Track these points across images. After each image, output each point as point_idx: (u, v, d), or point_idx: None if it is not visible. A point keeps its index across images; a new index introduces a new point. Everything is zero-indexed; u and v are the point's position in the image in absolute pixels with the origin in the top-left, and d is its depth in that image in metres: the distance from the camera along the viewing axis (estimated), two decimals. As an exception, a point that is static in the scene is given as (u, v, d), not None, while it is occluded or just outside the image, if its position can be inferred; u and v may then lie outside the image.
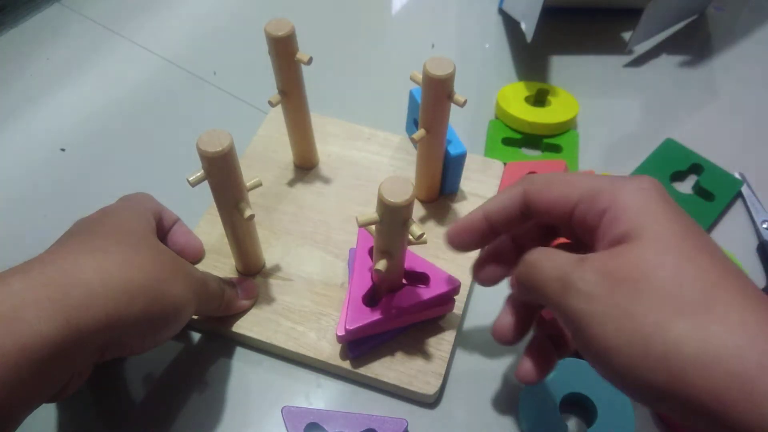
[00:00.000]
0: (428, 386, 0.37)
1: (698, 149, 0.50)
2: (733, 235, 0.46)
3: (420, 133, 0.40)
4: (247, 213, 0.34)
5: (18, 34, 0.62)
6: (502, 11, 0.64)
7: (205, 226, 0.44)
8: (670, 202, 0.24)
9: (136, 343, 0.31)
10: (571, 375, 0.38)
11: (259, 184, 0.36)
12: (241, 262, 0.41)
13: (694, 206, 0.47)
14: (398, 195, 0.29)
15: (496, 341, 0.31)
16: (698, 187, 0.48)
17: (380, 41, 0.64)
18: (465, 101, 0.36)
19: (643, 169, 0.49)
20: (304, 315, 0.40)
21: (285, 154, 0.49)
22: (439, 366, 0.38)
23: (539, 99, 0.55)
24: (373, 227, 0.33)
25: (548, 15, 0.54)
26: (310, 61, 0.39)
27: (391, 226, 0.31)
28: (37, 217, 0.48)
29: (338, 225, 0.45)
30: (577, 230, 0.27)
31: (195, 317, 0.39)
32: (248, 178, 0.35)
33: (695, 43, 0.62)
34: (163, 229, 0.41)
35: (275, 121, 0.51)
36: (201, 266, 0.42)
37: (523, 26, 0.57)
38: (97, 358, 0.29)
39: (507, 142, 0.52)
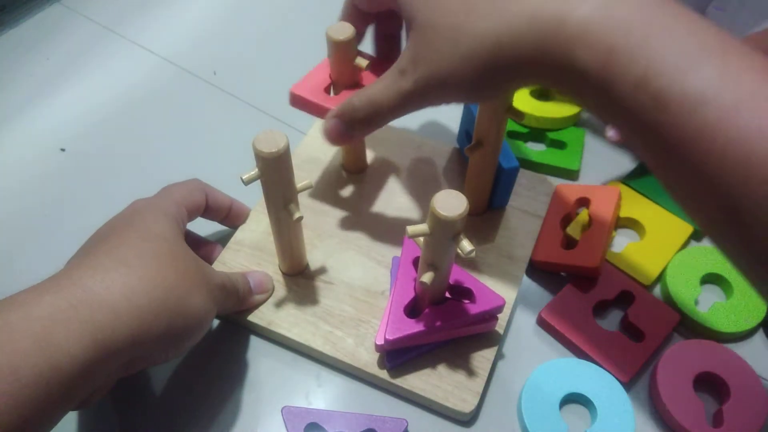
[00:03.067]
0: (464, 404, 0.36)
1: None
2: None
3: (474, 145, 0.39)
4: (296, 215, 0.34)
5: (18, 34, 0.62)
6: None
7: (251, 223, 0.44)
8: None
9: (159, 356, 0.33)
10: (571, 375, 0.38)
11: (309, 186, 0.35)
12: (285, 261, 0.41)
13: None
14: (451, 209, 0.29)
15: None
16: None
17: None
18: (523, 115, 0.36)
19: (642, 168, 0.49)
20: (344, 320, 0.39)
21: (334, 157, 0.49)
22: (477, 384, 0.37)
23: (544, 93, 0.55)
24: (421, 239, 0.32)
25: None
26: (368, 66, 0.39)
27: (440, 239, 0.31)
28: (37, 216, 0.48)
29: (383, 232, 0.44)
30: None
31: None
32: (298, 179, 0.35)
33: (695, 42, 0.62)
34: (219, 212, 0.41)
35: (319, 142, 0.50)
36: (246, 263, 0.42)
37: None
38: (122, 372, 0.31)
39: (512, 135, 0.52)
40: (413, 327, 0.36)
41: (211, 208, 0.41)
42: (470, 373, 0.37)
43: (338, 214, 0.45)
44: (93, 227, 0.47)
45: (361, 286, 0.41)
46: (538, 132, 0.52)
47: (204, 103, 0.57)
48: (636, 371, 0.38)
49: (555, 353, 0.40)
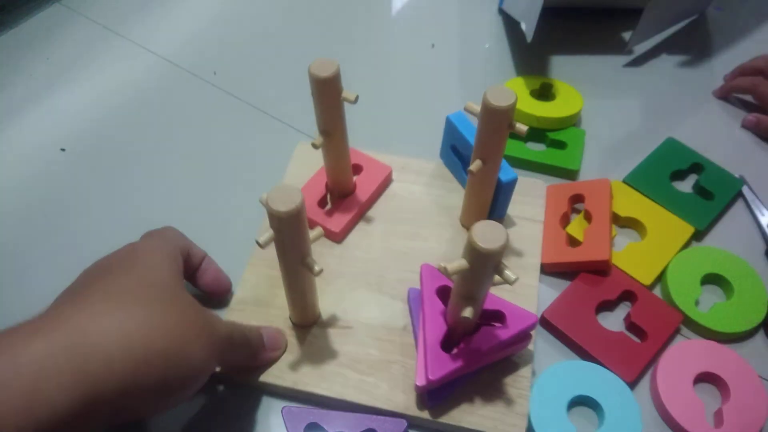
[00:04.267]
0: (514, 428, 0.35)
1: (699, 148, 0.50)
2: (734, 235, 0.46)
3: (477, 164, 0.38)
4: (317, 269, 0.32)
5: (18, 34, 0.62)
6: (502, 11, 0.65)
7: (251, 277, 0.42)
8: None
9: (147, 409, 0.30)
10: (578, 377, 0.38)
11: (320, 235, 0.33)
12: (298, 312, 0.38)
13: (694, 205, 0.47)
14: (492, 240, 0.27)
15: None
16: (698, 186, 0.48)
17: (379, 41, 0.63)
18: (527, 130, 0.36)
19: (643, 167, 0.49)
20: (372, 364, 0.37)
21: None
22: (522, 406, 0.36)
23: (543, 93, 0.55)
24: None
25: (548, 15, 0.54)
26: (356, 100, 0.37)
27: (480, 272, 0.29)
28: (37, 216, 0.48)
29: (389, 263, 0.42)
30: None
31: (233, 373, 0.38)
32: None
33: (695, 43, 0.62)
34: (191, 267, 0.39)
35: (305, 155, 0.49)
36: (254, 321, 0.39)
37: (523, 26, 0.57)
38: (107, 422, 0.28)
39: (512, 136, 0.52)
40: (454, 362, 0.34)
41: (186, 261, 0.38)
42: (511, 395, 0.36)
43: (338, 252, 0.43)
44: (93, 227, 0.47)
45: (381, 324, 0.39)
46: (538, 132, 0.52)
47: (204, 102, 0.57)
48: (640, 371, 0.38)
49: (559, 354, 0.40)
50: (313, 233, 0.33)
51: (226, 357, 0.33)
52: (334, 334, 0.39)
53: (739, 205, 0.48)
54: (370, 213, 0.46)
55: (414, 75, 0.59)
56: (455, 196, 0.46)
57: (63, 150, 0.52)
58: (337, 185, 0.44)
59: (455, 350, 0.35)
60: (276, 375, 0.37)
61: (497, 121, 0.35)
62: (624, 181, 0.48)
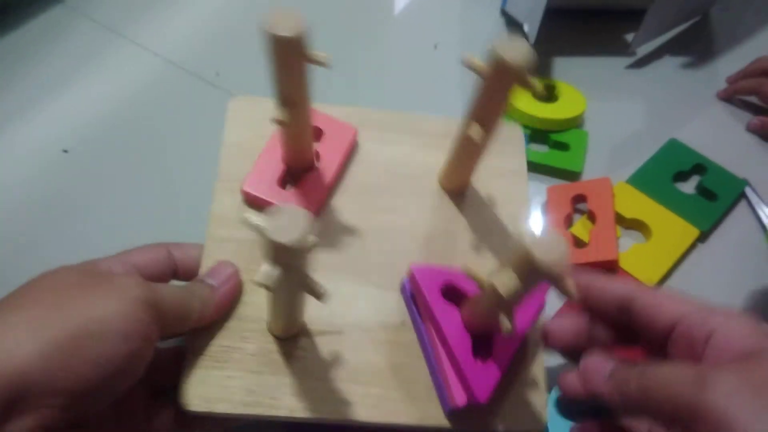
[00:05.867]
0: (535, 419, 0.32)
1: (702, 149, 0.50)
2: (738, 236, 0.46)
3: (476, 130, 0.31)
4: (323, 292, 0.26)
5: (21, 36, 0.62)
6: (505, 13, 0.64)
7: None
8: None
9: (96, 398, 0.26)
10: None
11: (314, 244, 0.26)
12: (283, 328, 0.32)
13: (697, 206, 0.47)
14: (554, 252, 0.23)
15: None
16: (701, 187, 0.48)
17: (382, 41, 0.63)
18: (542, 89, 0.30)
19: (646, 169, 0.49)
20: (376, 373, 0.32)
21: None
22: (541, 395, 0.32)
23: (546, 95, 0.55)
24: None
25: (551, 16, 0.54)
26: (328, 62, 0.29)
27: (531, 286, 0.25)
28: (39, 217, 0.48)
29: (371, 245, 0.36)
30: (674, 343, 0.28)
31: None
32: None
33: (698, 44, 0.62)
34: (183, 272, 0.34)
35: (243, 115, 0.42)
36: (222, 340, 0.32)
37: (525, 28, 0.57)
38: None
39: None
40: (495, 370, 0.30)
41: (181, 269, 0.34)
42: (526, 384, 0.32)
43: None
44: (95, 228, 0.47)
45: (377, 322, 0.33)
46: (540, 133, 0.52)
47: (207, 104, 0.57)
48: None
49: (571, 363, 0.40)
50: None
51: (161, 312, 0.28)
52: (324, 343, 0.33)
53: (742, 206, 0.48)
54: (339, 187, 0.38)
55: (417, 76, 0.59)
56: (429, 152, 0.39)
57: (65, 151, 0.52)
58: (297, 161, 0.37)
59: (487, 354, 0.31)
60: (268, 404, 0.30)
61: (507, 80, 0.30)
62: (627, 182, 0.48)
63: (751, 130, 0.54)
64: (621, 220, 0.46)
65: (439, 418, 0.31)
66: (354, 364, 0.32)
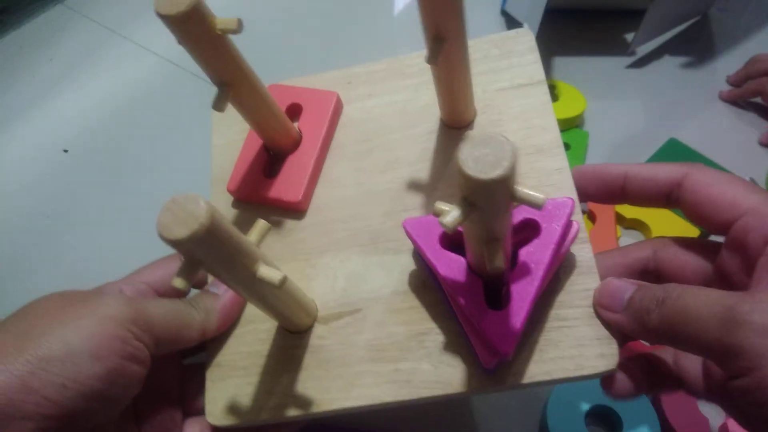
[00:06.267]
0: (604, 359, 0.26)
1: (702, 149, 0.50)
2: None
3: (435, 48, 0.26)
4: (278, 277, 0.24)
5: (21, 36, 0.62)
6: (505, 13, 0.65)
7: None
8: None
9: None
10: (596, 387, 0.37)
11: (267, 229, 0.25)
12: (293, 323, 0.30)
13: (698, 207, 0.47)
14: (492, 164, 0.19)
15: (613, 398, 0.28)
16: (702, 187, 0.48)
17: (382, 42, 0.64)
18: None
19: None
20: (402, 345, 0.29)
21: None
22: (598, 329, 0.27)
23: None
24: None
25: (551, 16, 0.54)
26: (240, 27, 0.27)
27: (489, 209, 0.21)
28: (39, 216, 0.48)
29: (374, 211, 0.32)
30: (729, 245, 0.25)
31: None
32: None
33: (698, 44, 0.62)
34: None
35: (226, 126, 0.39)
36: (239, 345, 0.31)
37: (525, 28, 0.57)
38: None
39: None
40: (516, 318, 0.26)
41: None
42: (580, 320, 0.27)
43: (310, 220, 0.33)
44: (96, 228, 0.47)
45: (394, 291, 0.30)
46: (541, 133, 0.52)
47: (207, 104, 0.57)
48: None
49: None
50: (254, 231, 0.25)
51: (164, 340, 0.28)
52: (343, 326, 0.30)
53: (742, 206, 0.48)
54: (330, 158, 0.35)
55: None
56: (425, 91, 0.35)
57: (66, 151, 0.52)
58: (274, 143, 0.34)
59: (507, 301, 0.26)
60: (298, 405, 0.29)
61: None
62: (627, 183, 0.48)
63: (765, 143, 0.52)
64: (621, 220, 0.46)
65: (482, 382, 0.28)
66: (375, 343, 0.29)
